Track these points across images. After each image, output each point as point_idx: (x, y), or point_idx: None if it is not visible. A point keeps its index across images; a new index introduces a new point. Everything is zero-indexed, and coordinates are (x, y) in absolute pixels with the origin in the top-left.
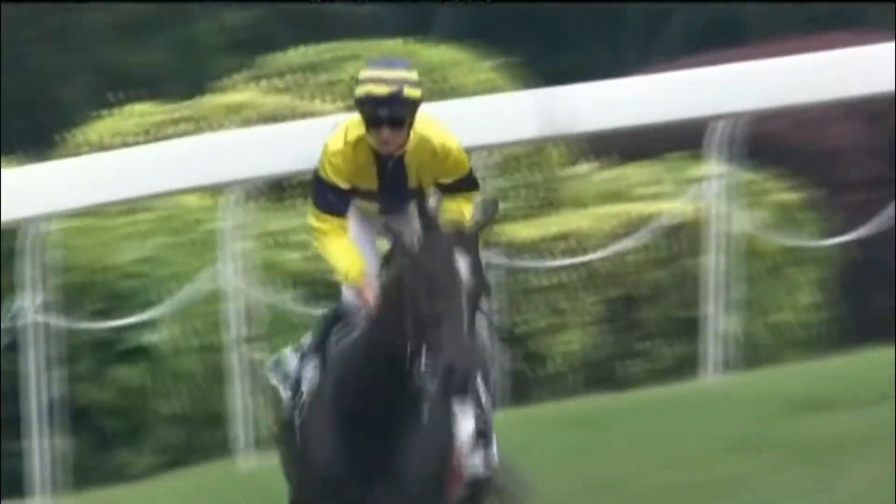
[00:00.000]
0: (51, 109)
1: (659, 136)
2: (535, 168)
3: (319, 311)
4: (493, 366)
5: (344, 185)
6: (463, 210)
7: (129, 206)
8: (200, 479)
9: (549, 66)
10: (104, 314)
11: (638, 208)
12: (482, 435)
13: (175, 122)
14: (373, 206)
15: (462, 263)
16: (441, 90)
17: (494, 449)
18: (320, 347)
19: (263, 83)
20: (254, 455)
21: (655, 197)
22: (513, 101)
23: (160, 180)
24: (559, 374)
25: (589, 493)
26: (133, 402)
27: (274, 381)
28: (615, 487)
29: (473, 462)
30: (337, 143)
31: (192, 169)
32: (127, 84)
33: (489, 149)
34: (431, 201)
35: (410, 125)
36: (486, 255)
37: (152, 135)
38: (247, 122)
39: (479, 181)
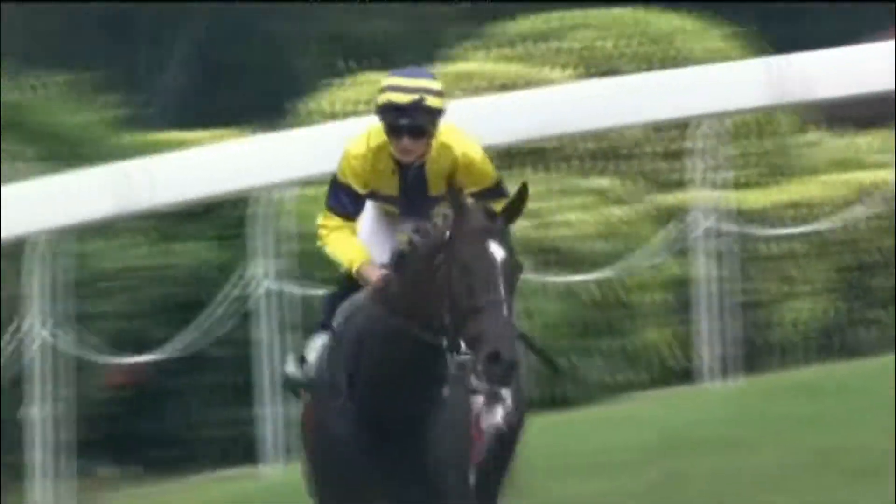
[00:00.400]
0: (283, 79)
1: (890, 104)
2: (765, 136)
3: (548, 279)
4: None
5: (360, 190)
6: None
7: None
8: None
9: (779, 34)
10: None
11: (869, 176)
12: (496, 396)
13: None
14: (394, 209)
15: (497, 251)
16: (670, 58)
17: (511, 405)
18: (327, 326)
19: (493, 51)
20: None
21: (887, 165)
22: (744, 68)
23: None
24: (789, 343)
25: (822, 460)
26: None
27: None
28: (850, 454)
29: (491, 419)
30: (359, 148)
31: None
32: (358, 53)
33: (719, 116)
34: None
35: (432, 135)
36: (710, 223)
37: None
38: (477, 91)
39: (506, 190)
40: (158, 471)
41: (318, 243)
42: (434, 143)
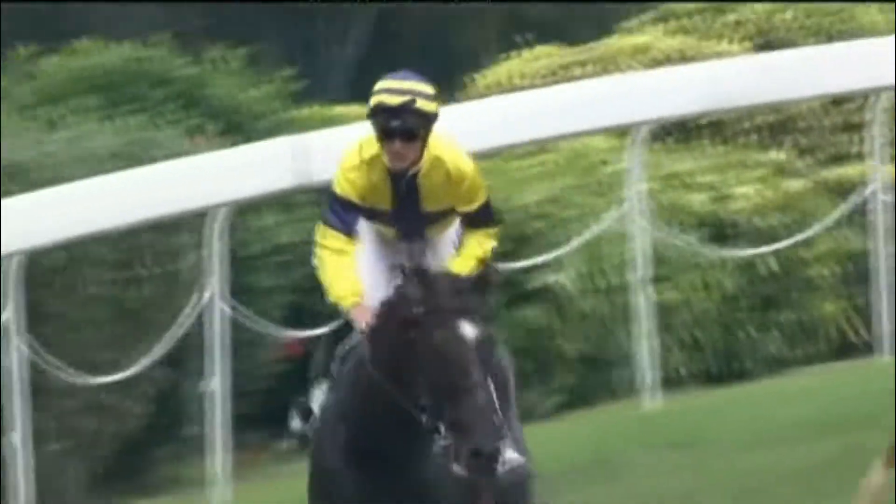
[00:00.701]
0: (459, 52)
1: None
2: None
3: (725, 252)
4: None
5: (357, 202)
6: (481, 246)
7: (536, 147)
8: (605, 418)
9: None
10: (511, 254)
11: None
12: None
13: (581, 63)
14: (390, 232)
15: (469, 332)
16: (847, 30)
17: (514, 453)
18: (328, 370)
19: (670, 24)
20: (659, 395)
21: None
22: None
23: (566, 122)
24: None
25: None
26: (539, 342)
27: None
28: None
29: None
30: (352, 159)
31: (598, 110)
32: (533, 26)
33: None
34: (422, 251)
35: (424, 140)
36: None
37: (559, 76)
38: (652, 64)
39: (495, 214)
40: None
41: (314, 261)
42: (427, 154)
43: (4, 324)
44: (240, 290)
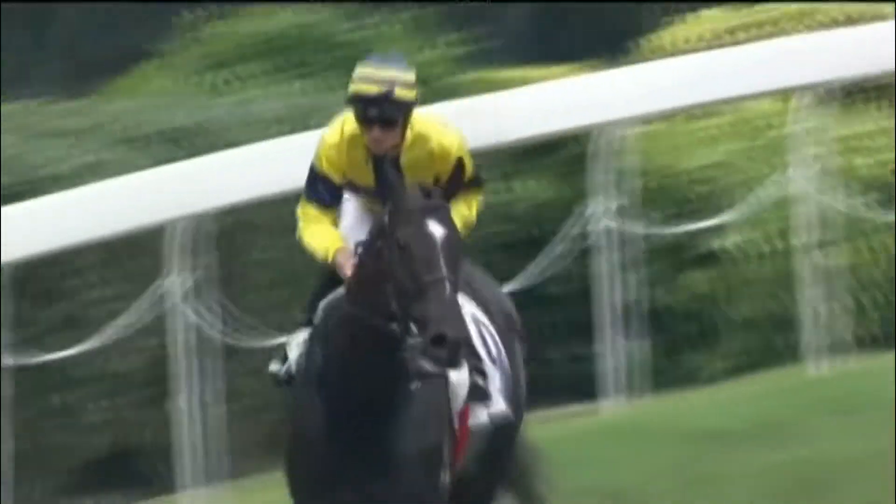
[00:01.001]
0: (625, 16)
1: None
2: None
3: (890, 217)
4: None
5: (337, 179)
6: (468, 204)
7: (701, 112)
8: (771, 383)
9: None
10: (676, 219)
11: None
12: (480, 389)
13: (746, 27)
14: (376, 205)
15: (436, 229)
16: None
17: (502, 403)
18: (308, 322)
19: None
20: (825, 360)
21: None
22: None
23: (732, 85)
24: None
25: None
26: (705, 306)
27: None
28: None
29: (476, 418)
30: (333, 136)
31: (764, 73)
32: None
33: None
34: (393, 173)
35: (404, 126)
36: None
37: (724, 40)
38: (818, 27)
39: (482, 180)
40: None
41: (297, 234)
42: (409, 133)
43: (171, 288)
44: None
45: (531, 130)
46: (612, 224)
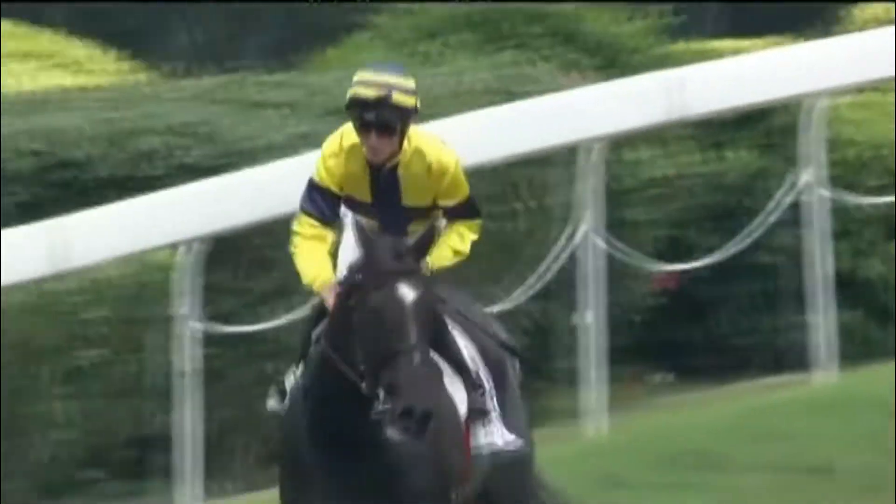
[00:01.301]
0: None
1: None
2: None
3: None
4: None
5: (335, 190)
6: (461, 238)
7: None
8: None
9: None
10: (885, 189)
11: None
12: (480, 413)
13: None
14: (373, 223)
15: (407, 294)
16: None
17: (502, 429)
18: (303, 354)
19: None
20: None
21: None
22: None
23: None
24: None
25: None
26: None
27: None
28: None
29: (478, 443)
30: (332, 147)
31: None
32: None
33: None
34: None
35: (402, 134)
36: None
37: None
38: None
39: (479, 209)
40: (694, 377)
41: (291, 248)
42: (408, 147)
43: None
44: (614, 224)
45: (740, 100)
46: (824, 193)
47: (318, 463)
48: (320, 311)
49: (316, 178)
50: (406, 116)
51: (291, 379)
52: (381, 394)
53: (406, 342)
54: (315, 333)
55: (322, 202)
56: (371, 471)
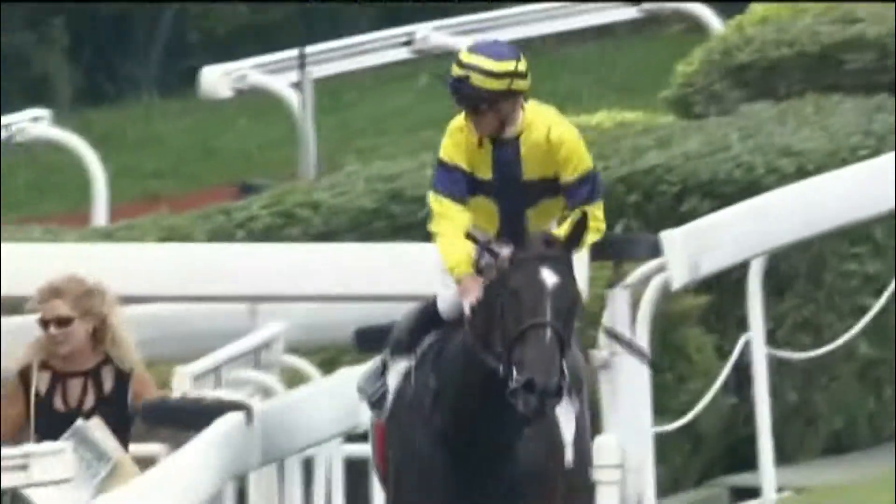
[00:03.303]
0: None
1: None
2: None
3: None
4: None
5: (462, 166)
6: (593, 216)
7: None
8: None
9: None
10: None
11: None
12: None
13: None
14: (492, 210)
15: (549, 278)
16: None
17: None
18: (410, 349)
19: None
20: None
21: None
22: None
23: None
24: None
25: None
26: None
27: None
28: None
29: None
30: (457, 122)
31: None
32: None
33: None
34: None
35: (514, 108)
36: None
37: None
38: None
39: (602, 187)
40: None
41: (431, 228)
42: (524, 118)
43: None
44: None
45: None
46: None
47: (452, 464)
48: (431, 316)
49: (443, 156)
50: (519, 93)
51: (395, 374)
52: (514, 371)
53: (540, 318)
54: (432, 336)
55: (453, 180)
56: (501, 473)
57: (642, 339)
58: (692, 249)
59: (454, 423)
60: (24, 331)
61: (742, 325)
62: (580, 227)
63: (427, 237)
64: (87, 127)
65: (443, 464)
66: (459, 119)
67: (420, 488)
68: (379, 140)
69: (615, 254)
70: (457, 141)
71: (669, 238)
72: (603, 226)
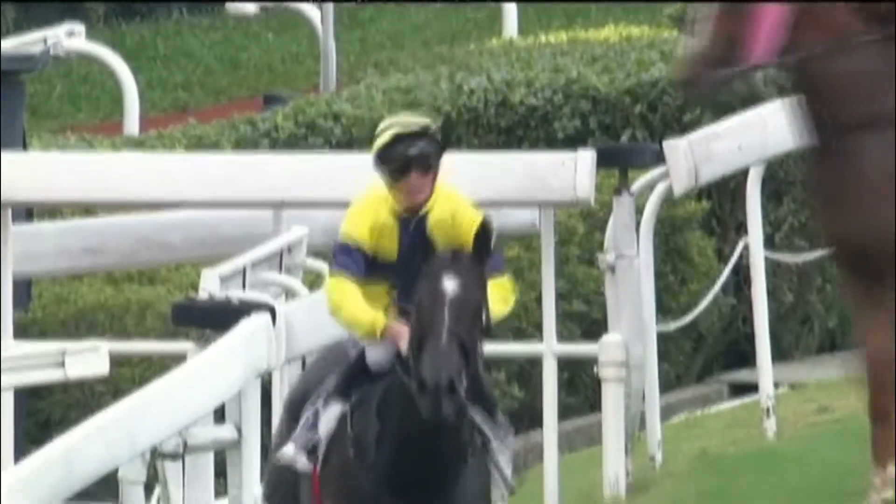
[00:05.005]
0: None
1: None
2: None
3: None
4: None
5: (364, 247)
6: (502, 287)
7: None
8: None
9: None
10: None
11: None
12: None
13: None
14: (385, 291)
15: (450, 286)
16: None
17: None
18: (343, 395)
19: None
20: None
21: None
22: None
23: None
24: None
25: None
26: None
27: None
28: None
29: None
30: (361, 204)
31: None
32: None
33: None
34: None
35: (435, 175)
36: None
37: None
38: None
39: (504, 262)
40: None
41: (329, 308)
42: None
43: None
44: None
45: None
46: None
47: (385, 490)
48: (361, 364)
49: (346, 237)
50: (440, 154)
51: (326, 422)
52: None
53: (437, 326)
54: (365, 385)
55: (351, 259)
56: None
57: (646, 242)
58: (694, 158)
59: (396, 464)
60: (66, 235)
61: (741, 229)
62: (482, 239)
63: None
64: (120, 41)
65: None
66: (363, 199)
67: None
68: (396, 54)
69: (621, 162)
70: (358, 221)
71: (672, 147)
72: (512, 297)
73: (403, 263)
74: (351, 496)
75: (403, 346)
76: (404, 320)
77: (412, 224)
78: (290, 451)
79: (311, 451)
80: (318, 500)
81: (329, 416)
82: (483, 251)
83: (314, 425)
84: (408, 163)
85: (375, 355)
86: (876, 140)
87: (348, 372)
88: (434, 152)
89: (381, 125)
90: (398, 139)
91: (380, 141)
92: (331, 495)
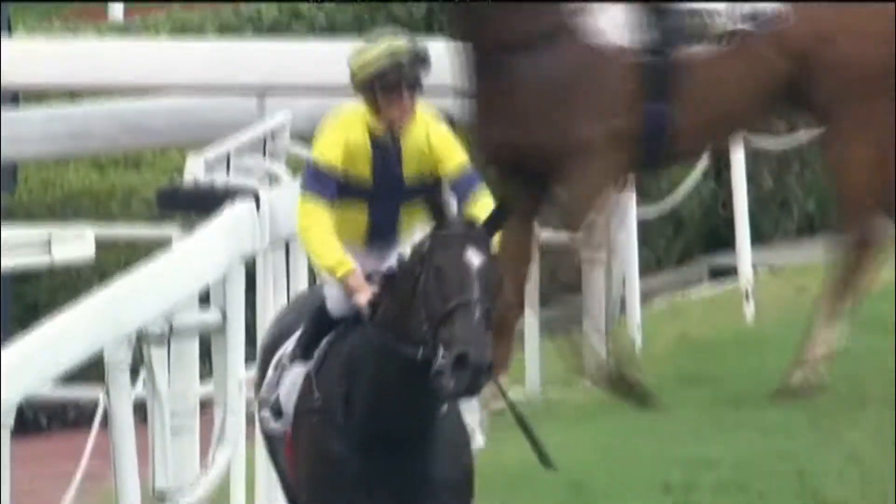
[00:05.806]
0: None
1: None
2: None
3: None
4: None
5: (336, 166)
6: (487, 206)
7: None
8: None
9: None
10: None
11: None
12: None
13: None
14: (362, 216)
15: (475, 257)
16: None
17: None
18: (306, 354)
19: None
20: None
21: None
22: None
23: None
24: None
25: None
26: None
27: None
28: None
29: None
30: (333, 124)
31: None
32: None
33: None
34: (443, 195)
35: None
36: None
37: None
38: None
39: (482, 179)
40: None
41: (297, 229)
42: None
43: None
44: None
45: None
46: None
47: (361, 470)
48: (323, 319)
49: (317, 156)
50: (427, 73)
51: (290, 385)
52: (440, 351)
53: (467, 296)
54: (329, 338)
55: (322, 182)
56: (408, 465)
57: None
58: None
59: (369, 423)
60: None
61: None
62: (496, 216)
63: (429, 31)
64: None
65: (360, 467)
66: (334, 122)
67: (336, 493)
68: None
69: None
70: (331, 141)
71: None
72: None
73: (377, 188)
74: (324, 461)
75: (361, 300)
76: (371, 282)
77: (388, 146)
78: (265, 416)
79: (278, 412)
80: (291, 463)
81: (293, 378)
82: (494, 227)
83: (277, 384)
84: (401, 83)
85: (335, 304)
86: (530, 57)
87: (313, 324)
88: (424, 72)
89: (363, 44)
90: (393, 59)
91: (372, 60)
92: (304, 459)
